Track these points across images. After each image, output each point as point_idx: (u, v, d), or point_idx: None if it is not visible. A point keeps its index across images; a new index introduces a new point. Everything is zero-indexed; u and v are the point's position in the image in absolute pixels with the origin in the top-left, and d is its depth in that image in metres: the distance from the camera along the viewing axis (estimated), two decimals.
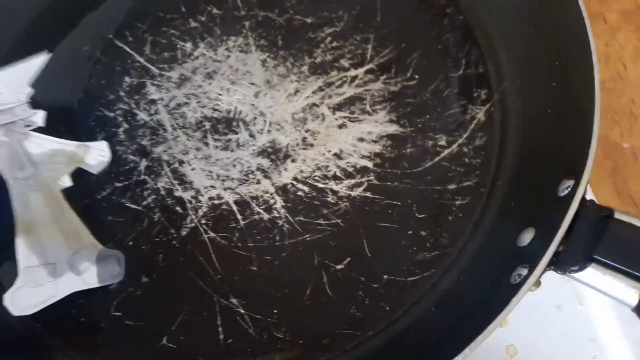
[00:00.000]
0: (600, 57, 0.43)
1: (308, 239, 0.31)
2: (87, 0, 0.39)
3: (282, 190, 0.33)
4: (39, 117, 0.35)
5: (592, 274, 0.22)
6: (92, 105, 0.36)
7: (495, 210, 0.31)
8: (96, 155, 0.33)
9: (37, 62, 0.36)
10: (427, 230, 0.31)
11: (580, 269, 0.22)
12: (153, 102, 0.36)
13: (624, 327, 0.30)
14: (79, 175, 0.34)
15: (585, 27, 0.28)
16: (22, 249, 0.30)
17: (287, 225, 0.32)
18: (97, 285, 0.30)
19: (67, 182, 0.33)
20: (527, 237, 0.26)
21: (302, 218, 0.32)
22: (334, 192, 0.32)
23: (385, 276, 0.30)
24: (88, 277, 0.30)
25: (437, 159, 0.33)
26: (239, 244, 0.32)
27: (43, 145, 0.34)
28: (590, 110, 0.25)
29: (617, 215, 0.23)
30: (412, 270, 0.30)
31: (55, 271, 0.30)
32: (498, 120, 0.34)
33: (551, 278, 0.26)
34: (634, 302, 0.21)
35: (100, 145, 0.34)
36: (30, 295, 0.30)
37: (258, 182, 0.33)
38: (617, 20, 0.46)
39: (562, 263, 0.22)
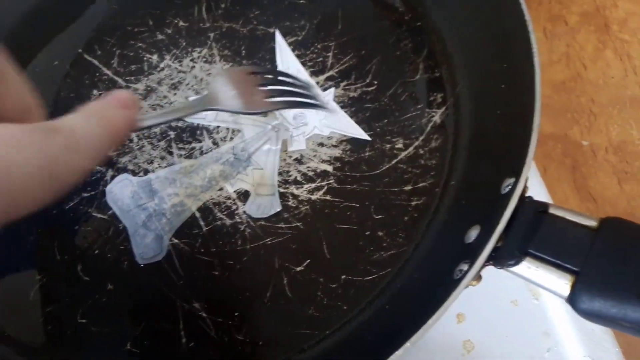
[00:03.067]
0: (560, 58, 0.45)
1: (269, 242, 0.32)
2: (61, 20, 0.41)
3: (244, 195, 0.34)
4: None
5: (527, 267, 0.23)
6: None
7: (447, 209, 0.31)
8: None
9: None
10: (384, 230, 0.32)
11: (516, 263, 0.23)
12: None
13: (576, 321, 0.31)
14: None
15: (527, 31, 0.29)
16: None
17: (248, 230, 0.33)
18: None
19: None
20: (473, 234, 0.27)
21: (263, 222, 0.33)
22: (295, 196, 0.33)
23: (344, 276, 0.31)
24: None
25: (394, 161, 0.34)
26: (202, 250, 0.32)
27: None
28: (531, 110, 0.26)
29: (551, 210, 0.24)
30: (369, 269, 0.31)
31: None
32: (452, 123, 0.34)
33: (507, 274, 0.27)
34: (566, 293, 0.22)
35: None
36: None
37: (221, 189, 0.34)
38: (577, 21, 0.47)
39: (500, 258, 0.23)
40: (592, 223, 0.23)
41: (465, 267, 0.24)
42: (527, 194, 0.25)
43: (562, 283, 0.22)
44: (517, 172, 0.25)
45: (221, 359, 0.29)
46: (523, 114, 0.27)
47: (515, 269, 0.23)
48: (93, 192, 0.34)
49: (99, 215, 0.34)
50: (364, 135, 0.34)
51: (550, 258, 0.22)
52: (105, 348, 0.30)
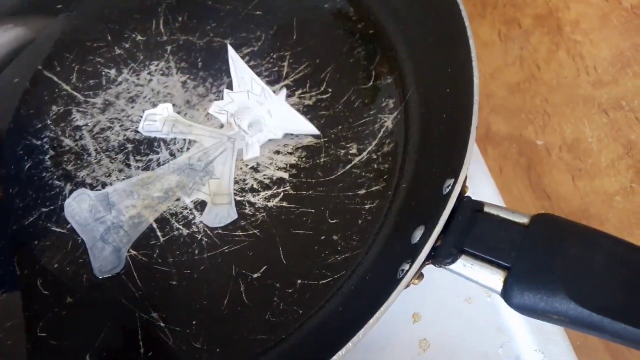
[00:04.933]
0: (515, 60, 0.46)
1: (226, 250, 0.33)
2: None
3: (201, 205, 0.34)
4: None
5: (463, 265, 0.24)
6: (21, 134, 0.38)
7: (397, 211, 0.32)
8: None
9: None
10: (339, 234, 0.32)
11: (453, 261, 0.24)
12: (78, 128, 0.37)
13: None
14: (5, 203, 0.35)
15: (467, 37, 0.30)
16: None
17: (205, 239, 0.33)
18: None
19: None
20: (418, 234, 0.27)
21: (220, 231, 0.33)
22: (251, 204, 0.34)
23: (299, 281, 0.31)
24: None
25: (348, 166, 0.35)
26: (159, 260, 0.33)
27: None
28: (470, 112, 0.27)
29: (486, 209, 0.24)
30: (324, 273, 0.31)
31: None
32: (403, 127, 0.35)
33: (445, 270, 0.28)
34: (499, 288, 0.23)
35: None
36: None
37: (178, 199, 0.34)
38: (531, 24, 0.48)
39: (438, 256, 0.24)
40: (524, 220, 0.24)
41: (406, 266, 0.25)
42: (471, 194, 0.26)
43: (495, 279, 0.23)
44: (455, 173, 0.26)
45: None
46: (463, 116, 0.28)
47: (452, 266, 0.24)
48: (52, 207, 0.35)
49: (58, 230, 0.34)
50: (315, 130, 0.35)
51: (484, 255, 0.23)
52: None
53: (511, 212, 0.24)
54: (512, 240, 0.23)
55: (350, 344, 0.23)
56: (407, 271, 0.24)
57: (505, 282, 0.22)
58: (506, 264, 0.22)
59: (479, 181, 0.35)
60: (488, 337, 0.31)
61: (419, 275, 0.25)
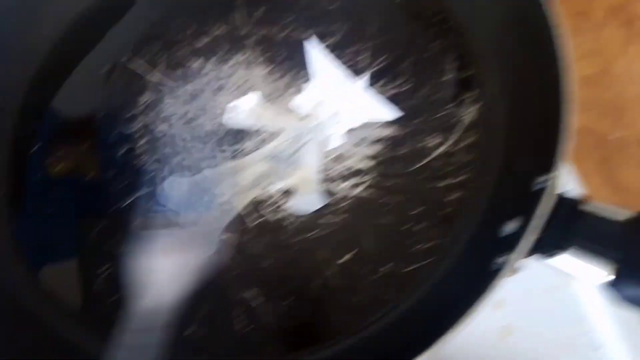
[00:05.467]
0: (586, 54, 0.46)
1: (314, 236, 0.34)
2: (105, 28, 0.43)
3: (288, 193, 0.36)
4: None
5: (565, 259, 0.25)
6: (112, 123, 0.40)
7: (483, 203, 0.33)
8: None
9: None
10: (422, 224, 0.34)
11: (552, 256, 0.25)
12: (167, 117, 0.39)
13: (611, 306, 0.32)
14: (102, 185, 0.38)
15: (554, 28, 0.30)
16: None
17: (293, 225, 0.35)
18: None
19: None
20: (509, 228, 0.28)
21: (306, 218, 0.35)
22: (336, 193, 0.35)
23: (384, 268, 0.33)
24: None
25: (430, 158, 0.36)
26: (251, 243, 0.35)
27: None
28: (564, 106, 0.28)
29: (587, 206, 0.25)
30: (409, 261, 0.33)
31: None
32: (486, 120, 0.36)
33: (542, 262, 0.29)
34: (608, 281, 0.23)
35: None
36: None
37: (265, 187, 0.36)
38: (603, 17, 0.48)
39: (537, 251, 0.25)
40: (625, 216, 0.24)
41: (502, 259, 0.26)
42: (561, 188, 0.27)
43: (602, 273, 0.24)
44: (550, 168, 0.27)
45: (273, 342, 0.32)
46: (555, 109, 0.29)
47: (552, 261, 0.25)
48: (147, 191, 0.37)
49: (155, 213, 0.36)
50: (398, 113, 0.36)
51: (587, 250, 0.24)
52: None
53: (610, 208, 0.25)
54: (618, 234, 0.23)
55: (451, 333, 0.24)
56: (505, 264, 0.25)
57: (618, 274, 0.23)
58: (614, 258, 0.23)
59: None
60: (569, 326, 0.32)
61: (514, 270, 0.26)
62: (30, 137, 0.40)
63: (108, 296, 0.34)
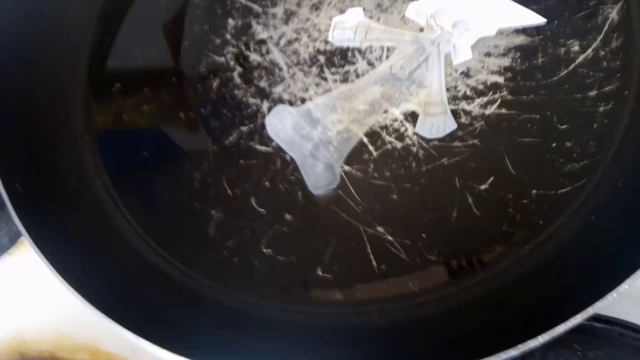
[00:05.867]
0: None
1: (446, 162, 0.31)
2: None
3: (412, 116, 0.32)
4: None
5: None
6: (200, 51, 0.36)
7: None
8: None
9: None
10: (572, 140, 0.30)
11: None
12: (262, 41, 0.35)
13: None
14: (202, 123, 0.34)
15: None
16: None
17: (421, 152, 0.31)
18: None
19: None
20: None
21: (436, 143, 0.31)
22: (467, 112, 0.32)
23: (534, 191, 0.30)
24: None
25: (572, 66, 0.31)
26: (376, 174, 0.32)
27: None
28: None
29: None
30: (561, 182, 0.29)
31: None
32: (636, 17, 0.31)
33: None
34: None
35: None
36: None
37: (386, 111, 0.32)
38: None
39: None
40: None
41: None
42: None
43: None
44: None
45: (417, 279, 0.29)
46: None
47: None
48: (251, 125, 0.34)
49: (263, 148, 0.33)
50: (539, 19, 0.31)
51: None
52: (297, 275, 0.31)
53: None
54: None
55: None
56: None
57: None
58: None
59: None
60: None
61: None
62: (109, 77, 0.37)
63: (222, 241, 0.32)
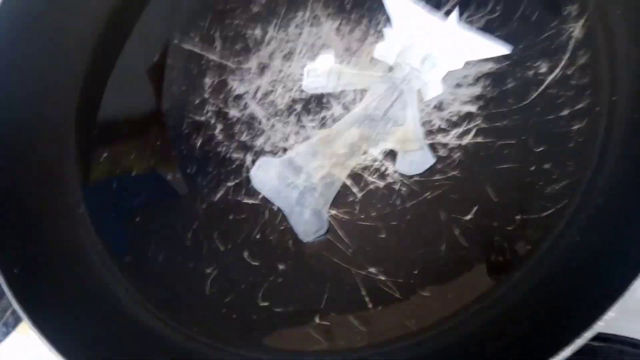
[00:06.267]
0: None
1: (429, 197, 0.31)
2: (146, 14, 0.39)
3: (391, 154, 0.33)
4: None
5: None
6: (181, 113, 0.37)
7: (620, 125, 0.29)
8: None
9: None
10: (550, 162, 0.30)
11: None
12: (240, 96, 0.36)
13: None
14: (189, 182, 0.35)
15: None
16: None
17: (404, 189, 0.32)
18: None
19: None
20: None
21: (417, 178, 0.32)
22: (444, 145, 0.32)
23: (518, 217, 0.30)
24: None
25: (541, 87, 0.32)
26: (362, 216, 0.32)
27: None
28: None
29: None
30: (544, 205, 0.30)
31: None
32: (599, 33, 0.32)
33: None
34: None
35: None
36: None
37: (365, 152, 0.33)
38: None
39: None
40: None
41: None
42: None
43: None
44: None
45: (411, 316, 0.30)
46: None
47: None
48: (237, 180, 0.34)
49: (250, 201, 0.34)
50: (503, 49, 0.32)
51: None
52: (295, 325, 0.31)
53: None
54: None
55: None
56: None
57: None
58: None
59: None
60: None
61: None
62: (95, 144, 0.38)
63: (220, 299, 0.32)
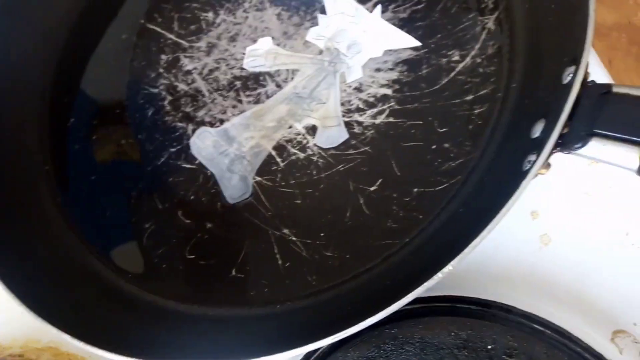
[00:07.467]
0: None
1: (341, 168, 0.35)
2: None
3: (312, 129, 0.36)
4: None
5: (594, 147, 0.24)
6: (138, 85, 0.41)
7: (510, 111, 0.32)
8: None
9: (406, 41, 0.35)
10: (450, 142, 0.33)
11: (583, 145, 0.24)
12: (189, 72, 0.40)
13: None
14: (140, 147, 0.39)
15: None
16: None
17: (321, 160, 0.35)
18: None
19: None
20: (539, 128, 0.27)
21: (333, 151, 0.35)
22: (359, 123, 0.35)
23: (416, 189, 0.33)
24: None
25: (452, 74, 0.35)
26: (282, 183, 0.35)
27: None
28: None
29: (615, 89, 0.24)
30: (439, 180, 0.32)
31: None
32: (507, 26, 0.34)
33: (579, 166, 0.28)
34: (636, 166, 0.22)
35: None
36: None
37: (290, 126, 0.36)
38: None
39: (567, 143, 0.24)
40: None
41: (533, 157, 0.25)
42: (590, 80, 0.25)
43: (631, 157, 0.23)
44: (576, 59, 0.25)
45: (315, 273, 0.33)
46: (578, 3, 0.27)
47: (582, 151, 0.24)
48: (179, 147, 0.38)
49: (188, 166, 0.38)
50: (415, 42, 0.35)
51: (617, 134, 0.23)
52: (215, 276, 0.35)
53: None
54: None
55: (478, 238, 0.24)
56: (536, 161, 0.24)
57: None
58: None
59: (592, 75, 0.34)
60: (613, 227, 0.31)
61: (547, 165, 0.25)
62: (66, 111, 0.42)
63: (154, 250, 0.36)
